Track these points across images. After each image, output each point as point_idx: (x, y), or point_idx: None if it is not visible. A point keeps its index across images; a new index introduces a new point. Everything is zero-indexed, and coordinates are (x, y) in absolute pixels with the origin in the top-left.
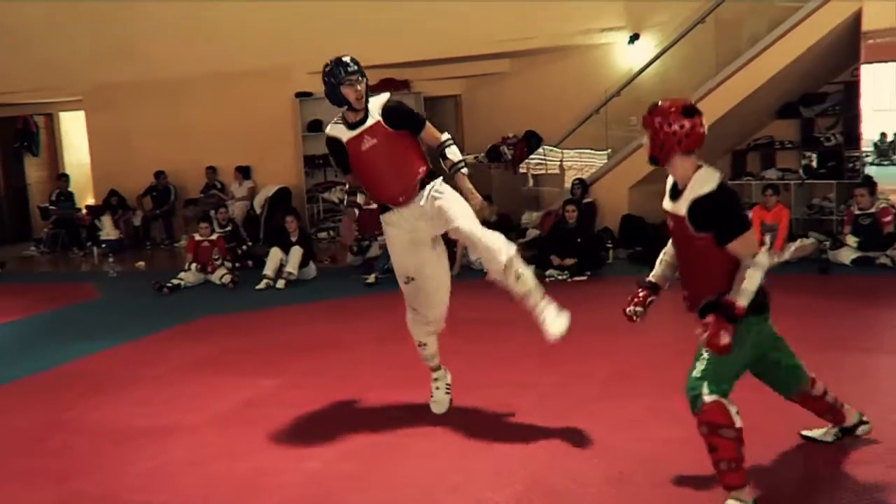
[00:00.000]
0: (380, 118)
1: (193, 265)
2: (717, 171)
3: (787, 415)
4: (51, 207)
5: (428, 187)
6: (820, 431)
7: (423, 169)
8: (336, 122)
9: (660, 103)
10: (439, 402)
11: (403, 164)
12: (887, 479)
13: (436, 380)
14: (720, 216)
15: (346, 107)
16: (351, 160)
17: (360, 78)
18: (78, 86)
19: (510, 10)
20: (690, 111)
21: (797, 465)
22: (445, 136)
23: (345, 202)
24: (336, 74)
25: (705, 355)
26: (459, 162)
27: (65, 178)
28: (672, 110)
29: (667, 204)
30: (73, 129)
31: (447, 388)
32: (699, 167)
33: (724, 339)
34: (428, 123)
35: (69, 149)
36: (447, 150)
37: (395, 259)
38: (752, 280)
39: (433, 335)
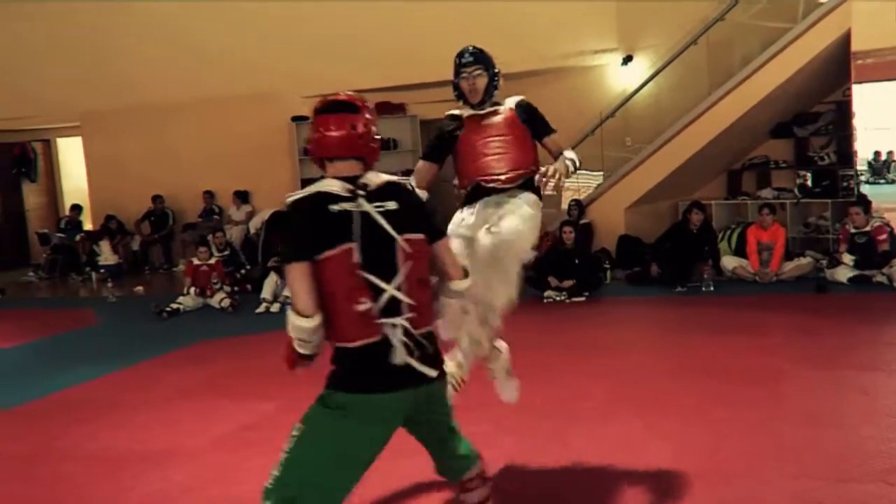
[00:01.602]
0: (512, 107)
1: (192, 289)
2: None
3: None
4: (59, 235)
5: (526, 193)
6: None
7: (533, 167)
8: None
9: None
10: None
11: (520, 151)
12: (887, 498)
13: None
14: None
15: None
16: (461, 140)
17: (476, 71)
18: (75, 112)
19: (503, 33)
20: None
21: (792, 485)
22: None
23: None
24: (454, 67)
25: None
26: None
27: (78, 208)
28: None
29: None
30: (71, 155)
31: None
32: None
33: None
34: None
35: (67, 174)
36: (566, 152)
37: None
38: None
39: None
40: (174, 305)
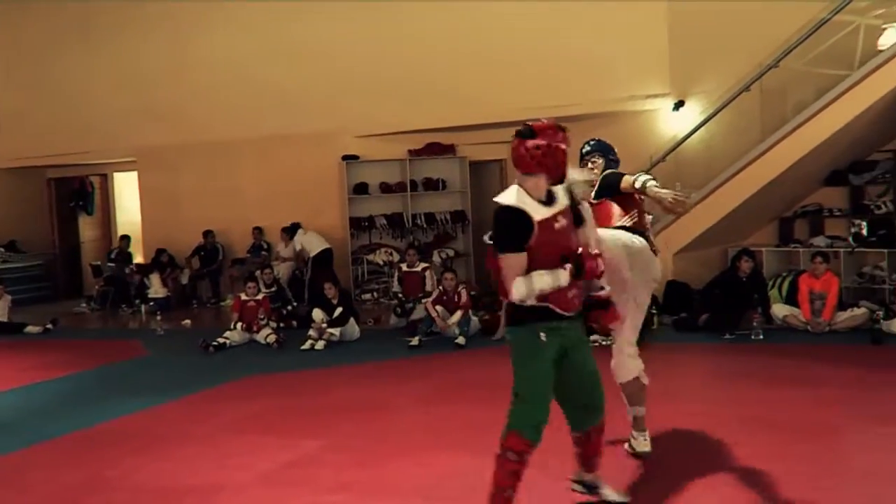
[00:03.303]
0: None
1: (239, 324)
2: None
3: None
4: (109, 264)
5: None
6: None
7: None
8: None
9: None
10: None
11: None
12: None
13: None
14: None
15: None
16: None
17: (592, 155)
18: (131, 147)
19: (554, 77)
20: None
21: None
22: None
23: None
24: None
25: None
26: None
27: (126, 239)
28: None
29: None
30: (126, 189)
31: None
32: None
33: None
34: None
35: (121, 208)
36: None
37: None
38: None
39: None
40: (221, 340)
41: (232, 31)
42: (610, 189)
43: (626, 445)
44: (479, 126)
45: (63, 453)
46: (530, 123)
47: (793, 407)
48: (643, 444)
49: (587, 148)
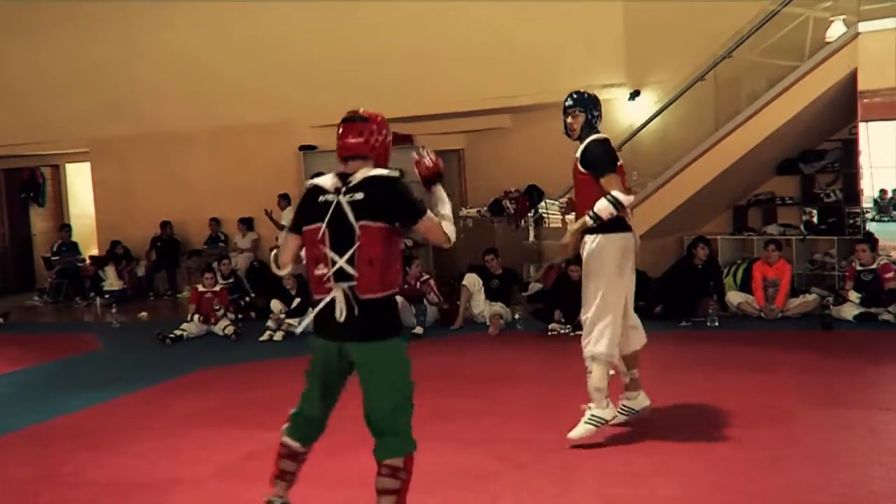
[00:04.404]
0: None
1: (196, 316)
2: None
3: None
4: (53, 258)
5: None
6: None
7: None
8: None
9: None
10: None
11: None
12: None
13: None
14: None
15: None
16: None
17: (571, 111)
18: (84, 138)
19: (511, 67)
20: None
21: None
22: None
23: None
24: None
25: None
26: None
27: (67, 228)
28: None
29: None
30: (79, 181)
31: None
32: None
33: None
34: (609, 177)
35: (74, 200)
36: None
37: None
38: None
39: None
40: (178, 332)
41: (185, 22)
42: (591, 169)
43: (621, 405)
44: (437, 116)
45: (16, 449)
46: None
47: (745, 392)
48: (643, 399)
49: (569, 101)
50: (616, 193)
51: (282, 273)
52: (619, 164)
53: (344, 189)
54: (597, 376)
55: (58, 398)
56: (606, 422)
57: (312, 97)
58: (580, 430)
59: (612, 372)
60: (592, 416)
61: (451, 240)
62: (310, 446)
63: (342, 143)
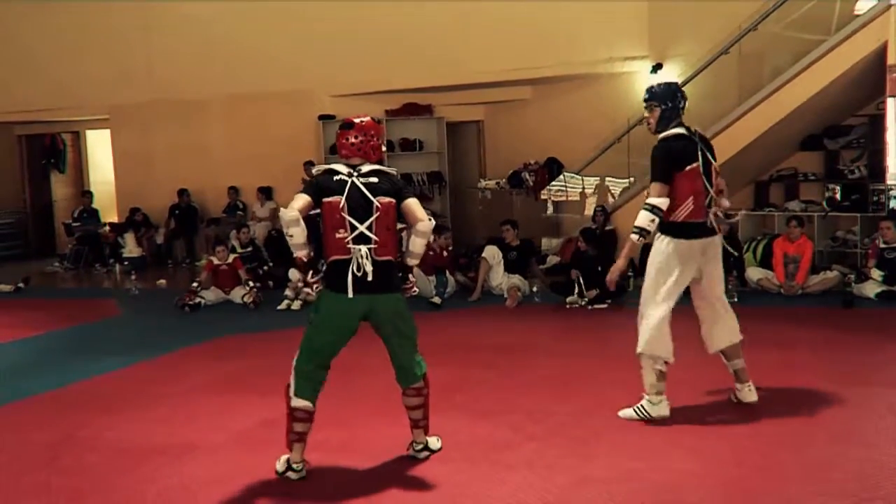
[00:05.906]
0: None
1: (212, 287)
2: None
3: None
4: (74, 224)
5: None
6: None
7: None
8: None
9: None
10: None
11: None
12: None
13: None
14: None
15: None
16: None
17: (647, 106)
18: (104, 105)
19: (532, 38)
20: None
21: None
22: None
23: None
24: None
25: None
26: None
27: (88, 194)
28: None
29: None
30: (99, 148)
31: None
32: None
33: None
34: (653, 184)
35: (95, 166)
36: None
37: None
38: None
39: None
40: (196, 299)
41: None
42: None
43: (732, 396)
44: (457, 87)
45: (36, 413)
46: (351, 118)
47: (763, 368)
48: (749, 393)
49: (645, 95)
50: (652, 200)
51: (287, 215)
52: (692, 165)
53: (356, 174)
54: (644, 372)
55: (77, 363)
56: (652, 418)
57: (332, 67)
58: (627, 412)
59: (659, 368)
60: (641, 406)
61: (428, 222)
62: (315, 405)
63: (341, 145)
